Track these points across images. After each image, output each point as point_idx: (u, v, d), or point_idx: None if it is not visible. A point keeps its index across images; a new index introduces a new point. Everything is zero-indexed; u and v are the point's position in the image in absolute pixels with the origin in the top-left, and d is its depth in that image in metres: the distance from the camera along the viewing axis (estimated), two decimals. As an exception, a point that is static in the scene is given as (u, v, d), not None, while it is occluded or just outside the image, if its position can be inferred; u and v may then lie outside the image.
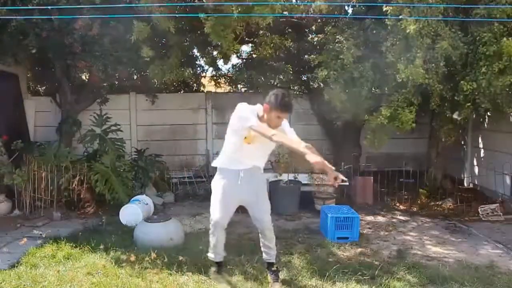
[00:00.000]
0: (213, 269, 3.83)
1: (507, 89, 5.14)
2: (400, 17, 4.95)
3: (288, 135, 3.46)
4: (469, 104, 5.34)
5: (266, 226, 3.70)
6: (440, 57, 4.91)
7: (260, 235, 3.80)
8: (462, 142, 7.89)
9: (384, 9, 5.11)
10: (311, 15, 6.33)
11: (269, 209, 3.76)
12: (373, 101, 5.52)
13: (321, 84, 7.75)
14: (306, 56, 6.36)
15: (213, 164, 3.74)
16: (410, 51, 5.03)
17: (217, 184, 3.66)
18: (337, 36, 5.83)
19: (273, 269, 3.81)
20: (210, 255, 3.78)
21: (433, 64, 4.92)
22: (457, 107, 5.57)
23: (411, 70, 4.84)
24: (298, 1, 6.46)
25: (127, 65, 6.44)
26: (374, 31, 5.63)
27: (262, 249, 3.82)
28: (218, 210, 3.58)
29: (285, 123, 3.52)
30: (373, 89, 5.47)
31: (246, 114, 3.37)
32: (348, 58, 5.43)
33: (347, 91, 5.57)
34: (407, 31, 4.83)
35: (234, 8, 4.93)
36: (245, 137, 3.42)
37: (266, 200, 3.78)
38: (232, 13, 4.91)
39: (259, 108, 3.50)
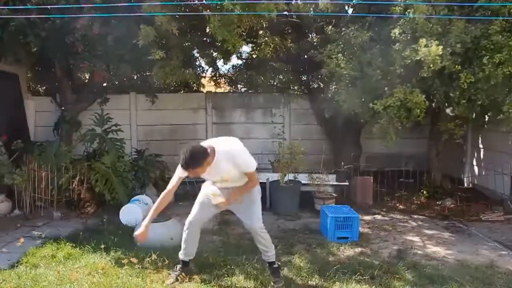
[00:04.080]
0: (178, 266, 3.88)
1: (506, 86, 5.16)
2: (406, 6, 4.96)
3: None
4: (464, 101, 5.34)
5: (256, 231, 3.71)
6: (453, 42, 4.90)
7: (253, 239, 3.83)
8: (462, 142, 7.89)
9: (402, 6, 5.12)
10: (313, 14, 6.32)
11: (258, 216, 3.74)
12: (381, 90, 5.47)
13: (321, 84, 7.78)
14: (312, 51, 6.30)
15: None
16: (418, 41, 5.01)
17: (203, 188, 3.89)
18: (343, 28, 5.82)
19: (274, 266, 3.83)
20: (181, 253, 3.87)
21: (448, 48, 4.88)
22: (452, 103, 5.56)
23: (428, 50, 4.78)
24: (299, 0, 6.45)
25: (129, 64, 6.44)
26: (377, 29, 5.62)
27: (260, 250, 3.85)
28: (195, 211, 3.81)
29: (229, 163, 3.50)
30: (381, 75, 5.40)
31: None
32: (358, 42, 5.42)
33: (355, 80, 5.55)
34: (416, 19, 4.82)
35: (238, 6, 4.92)
36: (215, 181, 3.71)
37: (255, 207, 3.75)
38: (233, 9, 4.91)
39: None
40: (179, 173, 3.56)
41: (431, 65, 4.84)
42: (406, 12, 5.00)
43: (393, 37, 5.20)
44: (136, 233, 3.61)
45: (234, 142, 3.59)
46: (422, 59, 4.86)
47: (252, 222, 3.69)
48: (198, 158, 3.34)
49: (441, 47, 4.77)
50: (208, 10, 5.11)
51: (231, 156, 3.48)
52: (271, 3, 5.08)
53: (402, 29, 5.12)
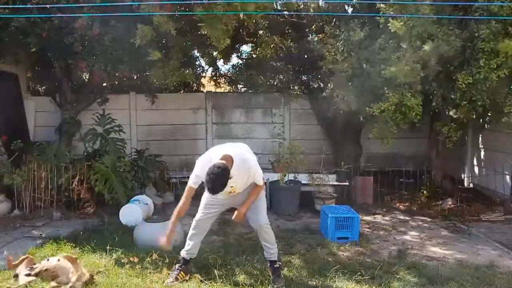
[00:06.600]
0: (177, 265, 3.90)
1: (504, 88, 5.17)
2: (391, 14, 4.98)
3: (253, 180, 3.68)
4: (465, 102, 5.35)
5: (261, 227, 3.78)
6: (427, 57, 4.93)
7: (257, 235, 3.87)
8: (462, 143, 7.89)
9: (377, 6, 5.14)
10: (309, 13, 6.32)
11: (264, 212, 3.83)
12: (379, 89, 5.48)
13: (321, 84, 7.79)
14: (311, 45, 6.32)
15: None
16: (399, 51, 5.05)
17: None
18: (342, 30, 5.83)
19: (275, 266, 3.85)
20: (184, 251, 3.89)
21: (418, 64, 4.93)
22: (455, 105, 5.58)
23: (394, 69, 4.88)
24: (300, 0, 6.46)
25: (128, 64, 6.43)
26: (374, 28, 5.62)
27: (263, 247, 3.88)
28: (203, 210, 3.84)
29: (245, 172, 3.57)
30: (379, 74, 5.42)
31: (194, 173, 3.62)
32: (356, 40, 5.44)
33: (354, 77, 5.57)
34: (394, 30, 4.86)
35: (221, 6, 4.95)
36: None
37: (261, 203, 3.84)
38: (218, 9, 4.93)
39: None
40: (192, 185, 3.60)
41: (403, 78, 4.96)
42: (390, 23, 5.01)
43: (378, 46, 5.25)
44: (161, 242, 3.75)
45: (247, 150, 3.65)
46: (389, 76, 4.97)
47: (258, 217, 3.76)
48: (225, 180, 3.31)
49: (404, 68, 4.83)
50: (201, 8, 5.10)
51: (247, 166, 3.53)
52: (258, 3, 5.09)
53: (386, 39, 5.16)
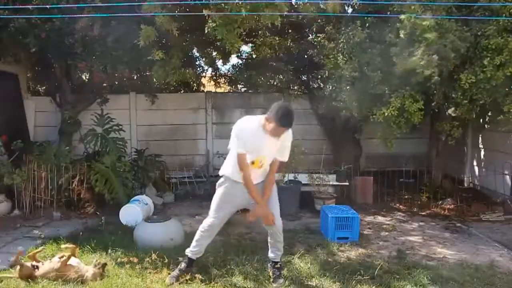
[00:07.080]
0: (183, 264, 3.85)
1: (507, 86, 5.17)
2: (393, 14, 4.99)
3: (278, 154, 3.68)
4: (466, 101, 5.35)
5: (277, 228, 3.74)
6: (443, 51, 4.92)
7: (269, 236, 3.84)
8: (462, 142, 7.89)
9: (401, 8, 5.14)
10: (308, 13, 6.31)
11: (279, 212, 3.79)
12: (381, 91, 5.47)
13: (321, 84, 7.78)
14: (310, 50, 6.31)
15: (221, 172, 3.81)
16: (413, 46, 5.03)
17: (221, 190, 3.76)
18: (343, 28, 5.82)
19: (276, 266, 3.84)
20: (190, 251, 3.83)
21: (434, 56, 4.91)
22: (455, 104, 5.59)
23: (410, 61, 4.87)
24: (300, 1, 6.44)
25: (128, 65, 6.43)
26: (377, 30, 5.62)
27: (270, 248, 3.86)
28: (216, 214, 3.74)
29: (286, 138, 3.63)
30: (380, 76, 5.40)
31: (239, 137, 3.51)
32: (357, 41, 5.43)
33: (354, 81, 5.56)
34: (424, 27, 4.85)
35: (243, 6, 4.89)
36: (253, 162, 3.56)
37: (276, 203, 3.81)
38: (239, 10, 4.87)
39: (261, 119, 3.55)
40: (241, 150, 3.48)
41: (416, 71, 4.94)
42: (405, 17, 5.00)
43: (388, 41, 5.23)
44: (266, 221, 3.64)
45: None
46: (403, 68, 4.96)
47: (277, 218, 3.72)
48: (293, 114, 3.50)
49: (419, 60, 4.83)
50: (208, 10, 5.05)
51: (290, 133, 3.60)
52: (277, 4, 5.05)
53: (401, 32, 5.15)
